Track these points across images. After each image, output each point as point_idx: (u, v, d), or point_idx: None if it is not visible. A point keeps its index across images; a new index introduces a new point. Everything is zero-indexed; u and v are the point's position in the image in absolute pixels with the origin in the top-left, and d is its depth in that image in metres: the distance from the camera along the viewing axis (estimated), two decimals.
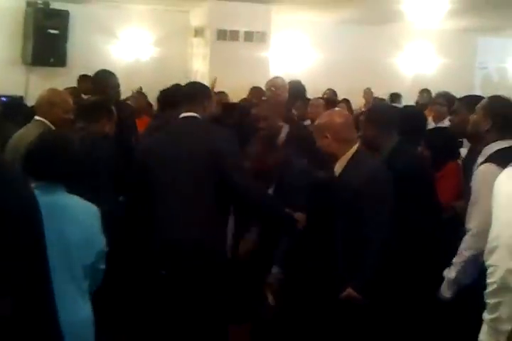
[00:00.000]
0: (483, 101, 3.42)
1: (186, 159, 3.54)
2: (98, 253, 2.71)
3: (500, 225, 2.43)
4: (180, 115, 3.76)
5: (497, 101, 3.44)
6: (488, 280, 2.39)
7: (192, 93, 3.89)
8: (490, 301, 2.38)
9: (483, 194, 2.95)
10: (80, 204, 2.73)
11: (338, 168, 3.65)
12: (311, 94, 7.88)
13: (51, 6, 9.95)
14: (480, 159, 3.30)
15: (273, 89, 5.11)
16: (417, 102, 9.03)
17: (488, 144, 3.29)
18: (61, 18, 9.89)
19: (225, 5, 10.04)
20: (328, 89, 9.45)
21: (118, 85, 5.51)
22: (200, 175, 3.54)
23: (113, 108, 4.40)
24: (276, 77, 5.77)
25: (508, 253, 2.34)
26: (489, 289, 2.38)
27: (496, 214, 2.48)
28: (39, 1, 9.85)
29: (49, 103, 4.36)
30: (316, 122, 3.91)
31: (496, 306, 2.36)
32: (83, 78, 8.86)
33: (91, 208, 2.75)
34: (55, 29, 9.77)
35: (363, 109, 8.19)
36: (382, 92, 10.51)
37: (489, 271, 2.39)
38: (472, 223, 3.19)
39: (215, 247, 3.59)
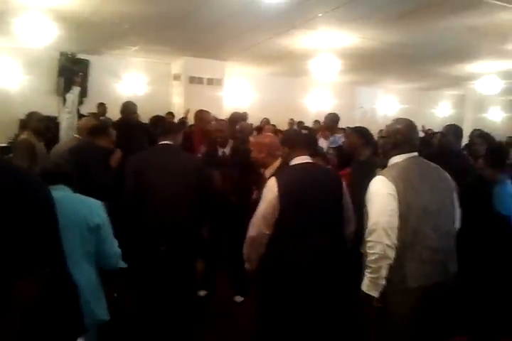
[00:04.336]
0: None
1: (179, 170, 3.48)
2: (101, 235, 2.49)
3: (376, 215, 2.39)
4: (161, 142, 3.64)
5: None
6: (370, 252, 2.37)
7: (171, 128, 3.77)
8: (373, 266, 2.37)
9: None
10: (78, 198, 2.51)
11: (268, 173, 3.37)
12: (250, 120, 7.97)
13: (77, 56, 9.76)
14: None
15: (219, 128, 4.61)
16: (313, 128, 9.06)
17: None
18: (83, 64, 9.72)
19: (194, 60, 10.06)
20: (265, 118, 9.56)
21: (136, 112, 5.56)
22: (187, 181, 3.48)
23: (111, 129, 4.22)
24: (222, 120, 5.38)
25: (384, 233, 2.34)
26: (371, 258, 2.37)
27: (371, 208, 2.43)
28: (69, 53, 9.64)
29: (84, 126, 4.39)
30: (255, 141, 3.63)
31: (377, 269, 2.36)
32: (100, 105, 8.91)
33: (87, 200, 2.53)
34: (79, 72, 9.54)
35: None
36: (295, 121, 10.65)
37: (370, 245, 2.38)
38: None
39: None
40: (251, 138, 5.02)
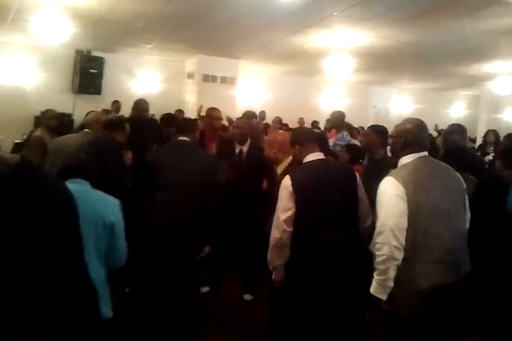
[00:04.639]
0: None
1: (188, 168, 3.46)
2: (112, 230, 2.45)
3: (384, 216, 2.38)
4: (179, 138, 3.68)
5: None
6: (378, 253, 2.36)
7: (187, 124, 3.81)
8: (380, 267, 2.35)
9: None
10: (96, 195, 2.49)
11: (279, 169, 3.45)
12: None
13: (92, 54, 9.81)
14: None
15: (239, 125, 4.64)
16: (325, 127, 9.02)
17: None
18: (99, 62, 9.78)
19: (208, 58, 10.03)
20: (277, 117, 9.55)
21: (147, 110, 5.46)
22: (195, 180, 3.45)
23: (126, 124, 4.15)
24: (242, 118, 5.37)
25: (391, 234, 2.32)
26: (379, 259, 2.35)
27: (380, 209, 2.42)
28: (84, 50, 9.69)
29: (97, 121, 4.35)
30: (268, 138, 3.68)
31: (385, 271, 2.34)
32: (114, 102, 9.02)
33: (104, 198, 2.51)
34: (94, 69, 9.67)
35: None
36: (309, 120, 10.63)
37: (377, 246, 2.37)
38: None
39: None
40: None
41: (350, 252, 2.76)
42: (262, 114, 9.39)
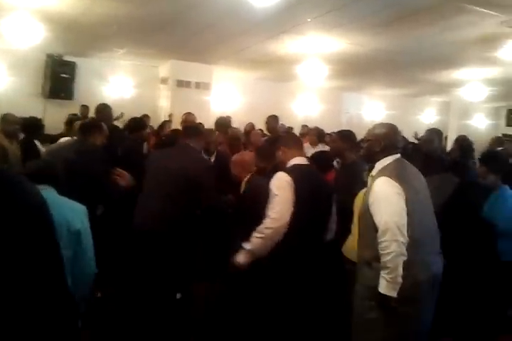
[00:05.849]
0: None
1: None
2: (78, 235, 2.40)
3: (387, 215, 2.43)
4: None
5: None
6: (386, 251, 2.38)
7: (197, 131, 3.75)
8: (390, 265, 2.37)
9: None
10: (62, 201, 2.43)
11: (244, 184, 3.37)
12: (236, 125, 7.98)
13: (64, 58, 9.68)
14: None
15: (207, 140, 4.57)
16: (300, 133, 9.04)
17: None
18: (70, 66, 9.67)
19: (182, 63, 10.00)
20: (249, 123, 9.52)
21: (111, 115, 5.16)
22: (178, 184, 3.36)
23: (104, 126, 4.03)
24: (210, 130, 5.42)
25: (398, 231, 2.38)
26: (388, 258, 2.37)
27: (380, 208, 2.47)
28: (55, 55, 9.56)
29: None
30: (236, 159, 3.52)
31: (395, 268, 2.37)
32: (82, 107, 8.91)
33: (71, 204, 2.47)
34: (65, 74, 9.56)
35: None
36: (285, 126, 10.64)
37: (385, 245, 2.39)
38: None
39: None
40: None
41: (325, 256, 2.85)
42: (228, 119, 9.32)
